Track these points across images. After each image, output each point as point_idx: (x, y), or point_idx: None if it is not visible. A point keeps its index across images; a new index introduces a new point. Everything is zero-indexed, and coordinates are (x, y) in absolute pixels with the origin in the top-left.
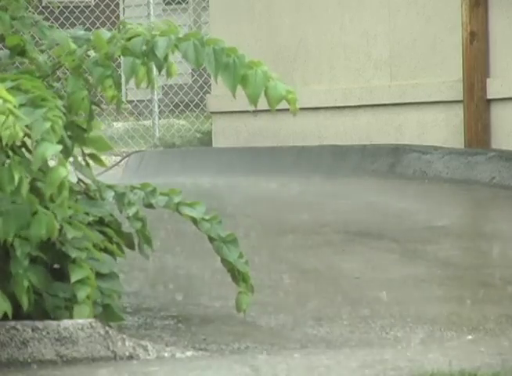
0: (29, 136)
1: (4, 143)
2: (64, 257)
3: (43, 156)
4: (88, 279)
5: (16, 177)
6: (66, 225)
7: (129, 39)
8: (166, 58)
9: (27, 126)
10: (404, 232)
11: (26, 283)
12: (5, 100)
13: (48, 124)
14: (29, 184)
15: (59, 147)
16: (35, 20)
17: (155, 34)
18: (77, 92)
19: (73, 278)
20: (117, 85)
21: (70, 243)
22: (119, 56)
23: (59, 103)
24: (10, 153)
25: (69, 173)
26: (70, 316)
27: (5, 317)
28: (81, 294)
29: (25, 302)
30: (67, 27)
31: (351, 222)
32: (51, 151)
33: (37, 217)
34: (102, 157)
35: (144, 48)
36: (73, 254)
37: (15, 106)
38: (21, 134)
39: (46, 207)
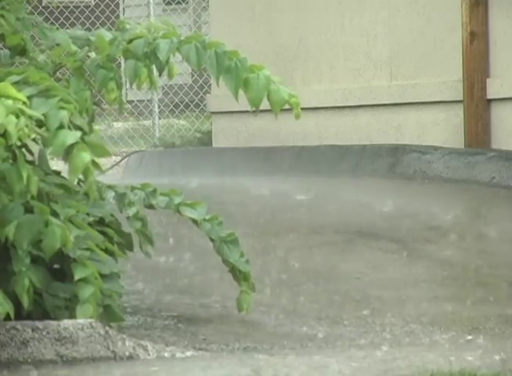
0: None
1: (14, 141)
2: (65, 257)
3: (63, 144)
4: (94, 278)
5: (25, 175)
6: (69, 224)
7: (130, 41)
8: (167, 60)
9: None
10: (404, 232)
11: (27, 282)
12: (15, 99)
13: (63, 112)
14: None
15: (79, 134)
16: (36, 21)
17: (156, 36)
18: (79, 94)
19: (77, 276)
20: (119, 87)
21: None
22: (119, 57)
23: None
24: (17, 152)
25: (91, 158)
26: (71, 316)
27: (6, 317)
28: (84, 292)
29: (26, 301)
30: (67, 27)
31: (351, 222)
32: (71, 139)
33: (50, 229)
34: (101, 159)
35: (146, 50)
36: (76, 253)
37: (25, 103)
38: (32, 135)
39: (51, 208)
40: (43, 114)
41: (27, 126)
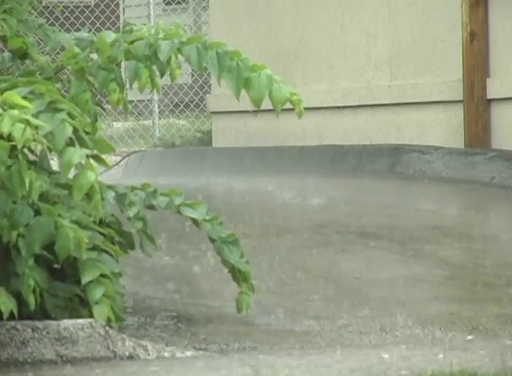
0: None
1: (19, 147)
2: (68, 256)
3: (70, 163)
4: (104, 277)
5: (27, 180)
6: (75, 225)
7: (132, 42)
8: (168, 61)
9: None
10: (404, 232)
11: (32, 283)
12: (22, 107)
13: (70, 129)
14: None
15: (85, 151)
16: (39, 23)
17: (158, 37)
18: (81, 95)
19: (86, 278)
20: (121, 88)
21: None
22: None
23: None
24: (20, 156)
25: (97, 176)
26: (71, 316)
27: (10, 316)
28: (95, 294)
29: (32, 302)
30: (67, 27)
31: (350, 222)
32: (77, 157)
33: (63, 232)
34: (103, 157)
35: (147, 51)
36: (84, 255)
37: (33, 115)
38: (38, 145)
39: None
40: (50, 132)
41: (32, 135)
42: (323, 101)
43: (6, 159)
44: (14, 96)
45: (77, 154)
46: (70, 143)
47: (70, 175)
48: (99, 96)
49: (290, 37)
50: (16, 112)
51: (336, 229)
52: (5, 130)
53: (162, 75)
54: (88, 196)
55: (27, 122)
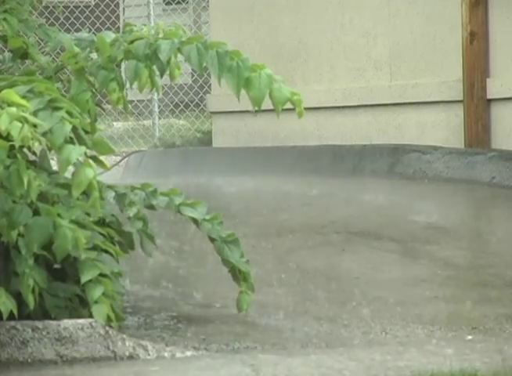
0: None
1: (17, 146)
2: (66, 256)
3: (68, 160)
4: (103, 276)
5: (25, 180)
6: (74, 225)
7: (132, 42)
8: (169, 61)
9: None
10: (404, 232)
11: (31, 282)
12: (19, 105)
13: (69, 127)
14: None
15: (83, 149)
16: (39, 23)
17: (158, 37)
18: (81, 94)
19: (85, 278)
20: (121, 88)
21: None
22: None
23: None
24: (18, 155)
25: (96, 173)
26: (71, 316)
27: (9, 316)
28: (95, 293)
29: (31, 302)
30: (67, 27)
31: (351, 222)
32: (75, 154)
33: (61, 231)
34: (103, 158)
35: (147, 51)
36: (83, 254)
37: (32, 113)
38: (36, 143)
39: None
40: (49, 129)
41: (30, 134)
42: (323, 101)
43: (5, 158)
44: (12, 94)
45: (75, 151)
46: (70, 142)
47: (68, 173)
48: (98, 96)
49: (290, 37)
50: (14, 109)
51: (336, 229)
52: (3, 127)
53: (162, 75)
54: (88, 195)
55: (25, 120)
